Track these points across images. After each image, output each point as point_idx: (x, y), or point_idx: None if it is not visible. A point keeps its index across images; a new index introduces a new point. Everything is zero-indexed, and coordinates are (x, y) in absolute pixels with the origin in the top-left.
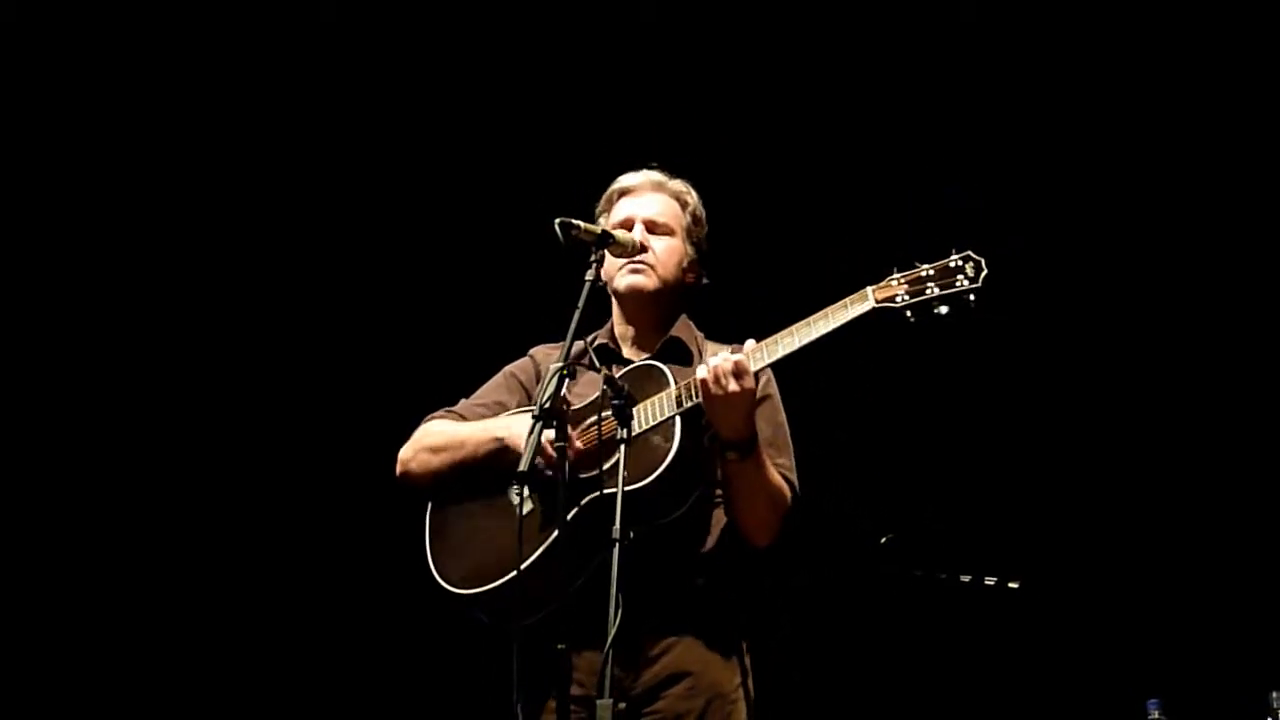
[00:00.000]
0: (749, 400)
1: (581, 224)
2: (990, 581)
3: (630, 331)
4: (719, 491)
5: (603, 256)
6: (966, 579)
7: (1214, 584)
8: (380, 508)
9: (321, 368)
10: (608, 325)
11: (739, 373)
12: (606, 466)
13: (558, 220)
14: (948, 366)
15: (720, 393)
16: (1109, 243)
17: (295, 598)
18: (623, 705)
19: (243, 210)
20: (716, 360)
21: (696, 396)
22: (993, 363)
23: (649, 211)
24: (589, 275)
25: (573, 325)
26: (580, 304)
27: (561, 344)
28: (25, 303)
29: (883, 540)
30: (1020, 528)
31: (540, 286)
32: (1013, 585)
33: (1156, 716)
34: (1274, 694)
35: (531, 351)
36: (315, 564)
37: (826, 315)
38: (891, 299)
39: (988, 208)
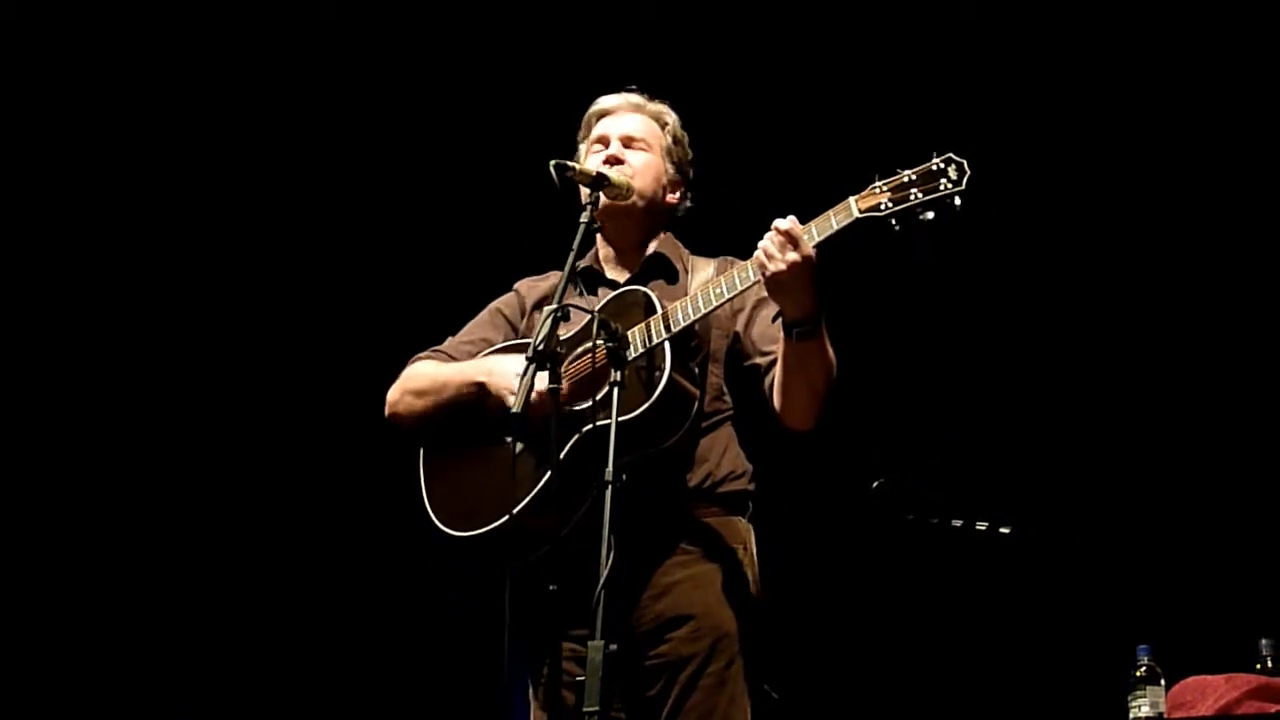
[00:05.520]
0: (809, 269)
1: (577, 166)
2: (982, 527)
3: (611, 253)
4: (719, 408)
5: (597, 198)
6: (958, 524)
7: (1205, 531)
8: (372, 451)
9: (305, 310)
10: (592, 250)
11: (793, 240)
12: (599, 398)
13: (553, 162)
14: (936, 306)
15: (779, 268)
16: (1108, 194)
17: (285, 556)
18: (614, 647)
19: (225, 157)
20: (766, 238)
21: (755, 275)
22: (983, 304)
23: (625, 128)
24: (584, 217)
25: (567, 267)
26: (575, 245)
27: (546, 275)
28: (23, 301)
29: (874, 485)
30: (1013, 473)
31: (522, 221)
32: (1004, 531)
33: (1147, 663)
34: (1264, 641)
35: (516, 285)
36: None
37: (809, 229)
38: (875, 208)
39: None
